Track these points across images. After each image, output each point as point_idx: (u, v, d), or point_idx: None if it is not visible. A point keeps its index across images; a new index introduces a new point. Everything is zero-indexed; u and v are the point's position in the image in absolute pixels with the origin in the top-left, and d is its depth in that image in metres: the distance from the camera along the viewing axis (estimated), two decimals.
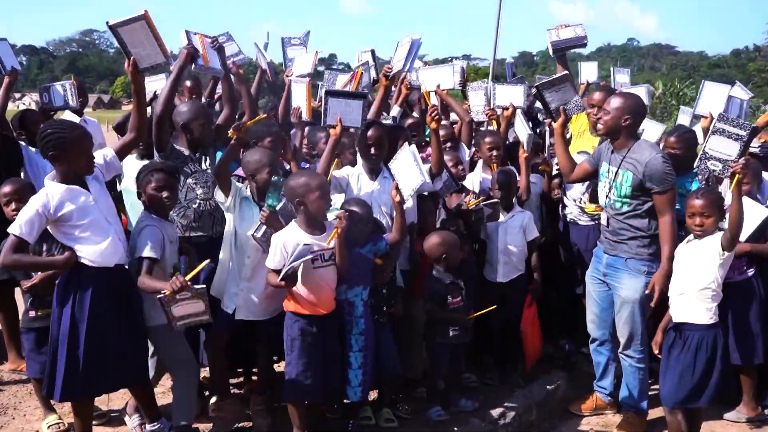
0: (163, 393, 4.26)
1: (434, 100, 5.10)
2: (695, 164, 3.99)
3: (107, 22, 3.39)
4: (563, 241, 4.91)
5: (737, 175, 3.48)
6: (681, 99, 27.67)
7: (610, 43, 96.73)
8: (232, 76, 4.69)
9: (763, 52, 76.20)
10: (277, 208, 3.62)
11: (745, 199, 3.80)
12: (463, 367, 4.27)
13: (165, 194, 3.52)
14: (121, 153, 3.56)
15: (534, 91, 4.06)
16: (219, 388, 4.11)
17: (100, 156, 3.42)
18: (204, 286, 3.32)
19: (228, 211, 3.86)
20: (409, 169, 3.73)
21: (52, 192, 3.19)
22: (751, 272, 4.27)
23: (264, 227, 3.62)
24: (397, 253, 3.94)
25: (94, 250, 3.24)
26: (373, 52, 5.74)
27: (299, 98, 5.03)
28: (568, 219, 4.91)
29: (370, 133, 4.01)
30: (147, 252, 3.34)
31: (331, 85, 4.93)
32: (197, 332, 3.94)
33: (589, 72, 6.16)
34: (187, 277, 3.15)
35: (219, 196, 3.82)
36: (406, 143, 3.95)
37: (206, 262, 3.35)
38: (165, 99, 3.96)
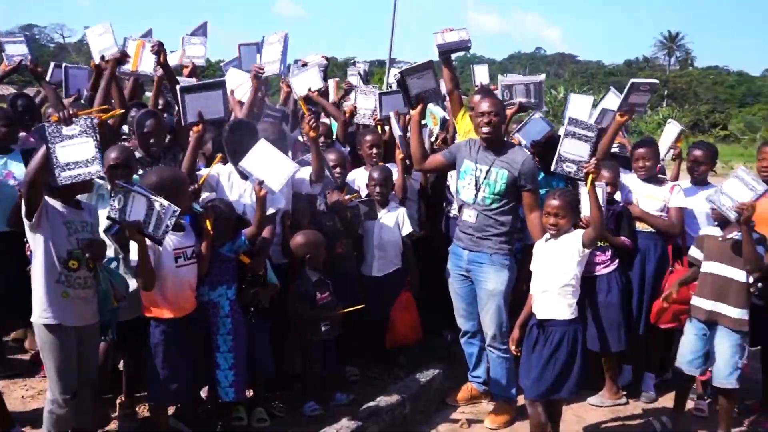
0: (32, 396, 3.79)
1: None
2: (552, 167, 3.85)
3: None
4: (444, 236, 4.66)
5: (591, 175, 3.30)
6: None
7: (520, 51, 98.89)
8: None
9: (651, 63, 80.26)
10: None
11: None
12: (337, 361, 3.96)
13: None
14: None
15: (397, 77, 3.83)
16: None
17: None
18: (95, 120, 2.78)
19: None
20: (273, 162, 3.40)
21: None
22: (614, 266, 4.16)
23: (117, 225, 3.18)
24: (266, 248, 3.58)
25: None
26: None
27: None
28: (451, 215, 4.67)
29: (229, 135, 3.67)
30: None
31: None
32: None
33: (481, 74, 5.98)
34: (80, 112, 2.73)
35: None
36: (262, 140, 3.55)
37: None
38: (98, 102, 3.89)
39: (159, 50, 4.09)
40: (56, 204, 2.85)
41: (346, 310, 3.77)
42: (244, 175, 3.66)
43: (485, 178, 3.76)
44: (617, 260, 4.19)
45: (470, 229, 3.83)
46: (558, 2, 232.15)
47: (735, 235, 3.58)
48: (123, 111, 3.86)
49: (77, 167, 2.69)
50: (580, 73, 70.56)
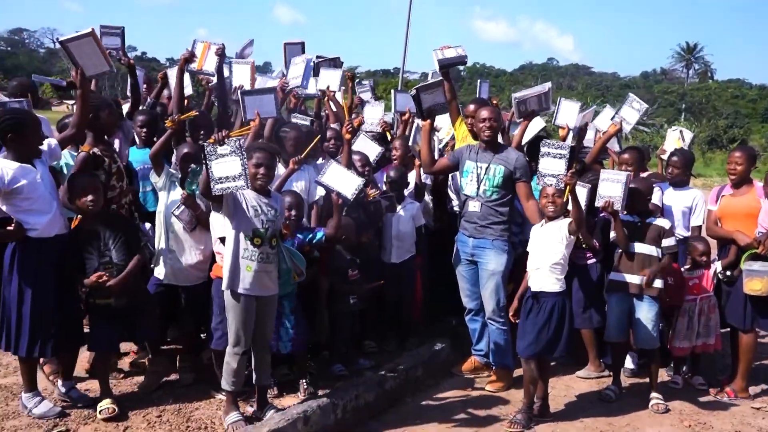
0: None
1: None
2: (536, 181, 4.80)
3: (57, 39, 3.95)
4: (449, 229, 5.63)
5: (568, 186, 4.30)
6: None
7: (532, 61, 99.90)
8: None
9: (669, 75, 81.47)
10: (196, 192, 4.21)
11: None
12: (360, 331, 4.96)
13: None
14: (62, 144, 4.14)
15: (413, 93, 4.84)
16: (152, 346, 4.63)
17: (46, 143, 3.96)
18: (242, 140, 3.64)
19: (160, 190, 4.46)
20: (344, 176, 4.44)
21: (6, 168, 3.70)
22: (592, 260, 5.17)
23: (183, 207, 4.23)
24: (350, 233, 4.65)
25: (39, 221, 3.76)
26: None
27: (242, 78, 5.68)
28: (454, 210, 5.67)
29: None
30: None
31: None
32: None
33: (484, 90, 7.01)
34: (232, 133, 3.64)
35: (153, 176, 4.45)
36: (332, 160, 4.65)
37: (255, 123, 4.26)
38: (175, 100, 5.05)
39: (222, 53, 5.31)
40: (248, 193, 3.78)
41: (371, 286, 4.76)
42: None
43: (485, 173, 4.76)
44: (597, 257, 5.17)
45: (474, 218, 4.82)
46: (569, 10, 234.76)
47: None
48: (196, 113, 4.91)
49: (227, 181, 3.54)
50: (594, 86, 71.46)
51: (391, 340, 5.40)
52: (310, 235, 4.43)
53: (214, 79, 5.69)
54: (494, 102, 5.96)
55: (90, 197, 3.92)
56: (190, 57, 5.26)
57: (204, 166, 3.56)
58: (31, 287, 3.77)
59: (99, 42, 3.97)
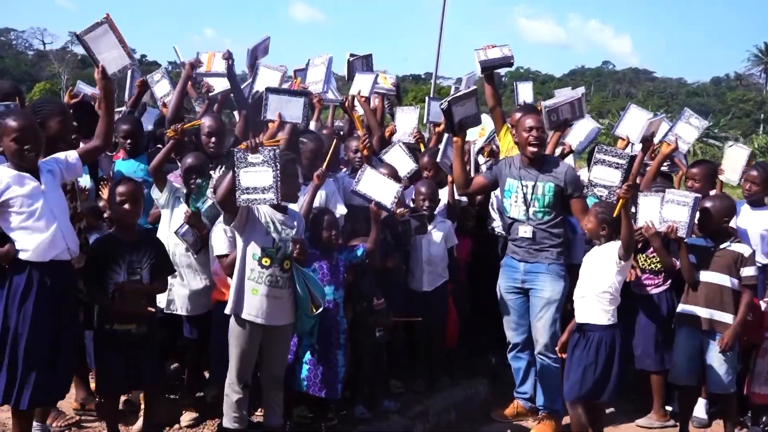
0: None
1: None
2: (584, 190, 4.80)
3: (74, 33, 3.99)
4: (488, 254, 5.67)
5: (621, 200, 4.28)
6: None
7: (584, 65, 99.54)
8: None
9: (744, 80, 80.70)
10: (202, 209, 4.28)
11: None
12: (386, 368, 4.97)
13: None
14: (85, 158, 3.96)
15: (444, 106, 4.74)
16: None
17: (64, 156, 3.88)
18: (277, 150, 3.72)
19: (162, 207, 4.56)
20: (381, 183, 4.56)
21: (1, 174, 3.62)
22: (660, 288, 5.14)
23: (187, 226, 4.32)
24: (374, 260, 4.69)
25: (31, 240, 3.59)
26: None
27: (269, 81, 5.67)
28: (496, 232, 5.69)
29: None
30: None
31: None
32: None
33: (525, 93, 6.97)
34: (266, 142, 3.74)
35: (154, 192, 4.54)
36: (366, 165, 4.77)
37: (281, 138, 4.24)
38: (173, 107, 5.26)
39: (229, 57, 5.57)
40: (263, 207, 3.87)
41: (401, 320, 4.79)
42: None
43: (533, 192, 4.79)
44: (669, 281, 5.14)
45: (526, 244, 4.83)
46: (626, 7, 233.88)
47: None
48: (200, 122, 5.04)
49: (255, 192, 3.65)
50: (657, 93, 71.15)
51: (421, 380, 5.38)
52: (350, 254, 4.50)
53: (216, 86, 5.89)
54: (539, 108, 6.01)
55: (128, 206, 3.99)
56: (197, 62, 5.48)
57: (231, 172, 3.66)
58: (13, 321, 3.64)
59: (116, 29, 3.90)
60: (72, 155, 3.89)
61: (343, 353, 4.46)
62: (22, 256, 3.63)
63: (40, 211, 3.66)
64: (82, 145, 4.21)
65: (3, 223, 3.66)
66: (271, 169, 3.64)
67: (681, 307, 4.87)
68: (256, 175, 3.64)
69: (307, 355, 4.39)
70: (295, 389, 4.38)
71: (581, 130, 5.98)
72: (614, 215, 4.34)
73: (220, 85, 6.07)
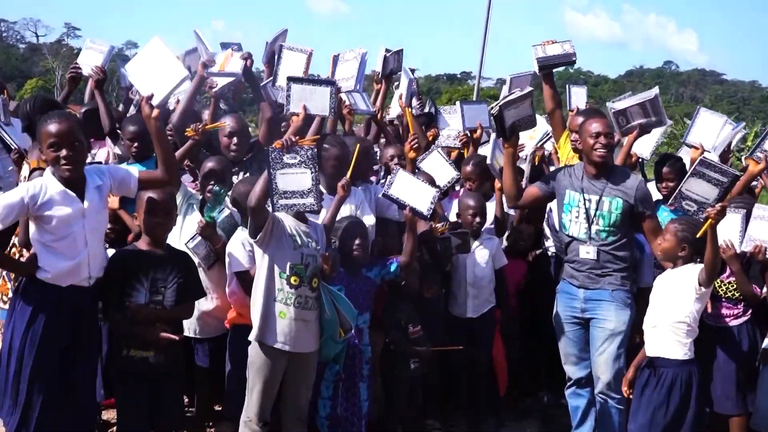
0: None
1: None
2: (670, 201, 4.66)
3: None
4: (544, 278, 5.47)
5: (710, 220, 4.05)
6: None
7: (643, 65, 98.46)
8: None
9: None
10: (218, 219, 4.17)
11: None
12: (422, 405, 4.80)
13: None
14: (145, 185, 3.83)
15: (495, 111, 4.55)
16: None
17: (123, 172, 3.82)
18: (314, 150, 3.69)
19: None
20: (416, 187, 4.41)
21: (46, 186, 3.57)
22: (740, 320, 4.89)
23: (199, 238, 4.20)
24: (413, 276, 4.57)
25: (54, 263, 3.56)
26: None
27: (294, 70, 5.46)
28: (550, 252, 5.52)
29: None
30: None
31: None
32: None
33: (578, 97, 6.76)
34: (301, 141, 3.69)
35: None
36: (399, 168, 4.61)
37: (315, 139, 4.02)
38: (182, 111, 5.11)
39: (248, 57, 5.52)
40: (286, 218, 3.79)
41: (441, 348, 4.62)
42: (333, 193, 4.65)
43: (597, 209, 4.59)
44: (750, 311, 4.91)
45: (587, 267, 4.63)
46: (692, 1, 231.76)
47: None
48: (224, 123, 5.02)
49: (294, 197, 3.60)
50: (726, 97, 70.43)
51: (462, 420, 5.25)
52: (383, 270, 4.38)
53: (218, 85, 5.77)
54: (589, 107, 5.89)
55: (158, 219, 3.89)
56: (209, 62, 5.38)
57: (267, 174, 3.60)
58: (18, 342, 3.59)
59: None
60: (132, 179, 3.78)
61: (368, 386, 4.33)
62: (39, 274, 3.58)
63: (74, 237, 3.61)
64: (144, 170, 4.07)
65: (35, 235, 3.61)
66: (309, 170, 3.58)
67: (767, 343, 4.63)
68: (294, 178, 3.59)
69: (328, 389, 4.27)
70: (314, 424, 4.27)
71: (651, 137, 5.77)
72: (698, 235, 4.14)
73: (223, 80, 5.98)
